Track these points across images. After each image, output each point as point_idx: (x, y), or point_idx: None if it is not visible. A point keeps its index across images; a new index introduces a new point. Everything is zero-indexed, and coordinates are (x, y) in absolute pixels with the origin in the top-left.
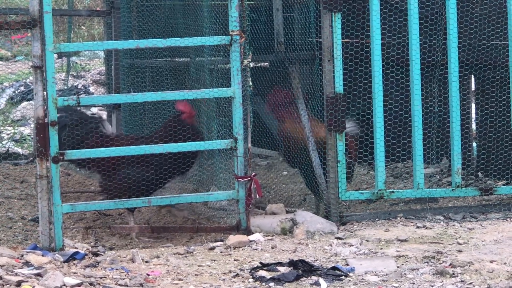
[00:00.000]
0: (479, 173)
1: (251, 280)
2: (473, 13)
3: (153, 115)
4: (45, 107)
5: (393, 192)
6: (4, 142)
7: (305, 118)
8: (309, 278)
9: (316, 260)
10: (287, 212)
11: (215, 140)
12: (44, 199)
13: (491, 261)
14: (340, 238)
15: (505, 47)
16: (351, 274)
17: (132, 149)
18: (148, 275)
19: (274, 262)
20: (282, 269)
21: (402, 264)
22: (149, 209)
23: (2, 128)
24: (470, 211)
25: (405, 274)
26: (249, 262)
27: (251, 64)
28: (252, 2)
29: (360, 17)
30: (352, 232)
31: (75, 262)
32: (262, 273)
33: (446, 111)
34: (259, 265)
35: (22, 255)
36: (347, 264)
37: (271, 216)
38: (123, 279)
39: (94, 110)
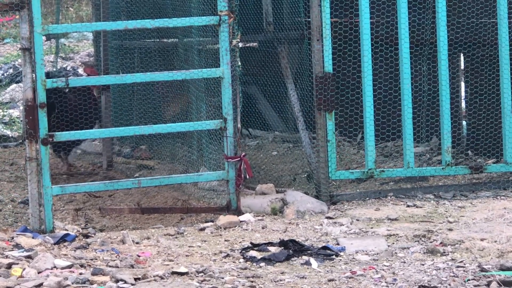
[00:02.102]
0: (469, 152)
1: (242, 260)
2: None
3: (142, 96)
4: (34, 89)
5: (383, 171)
6: None
7: (294, 98)
8: (300, 257)
9: (306, 240)
10: (277, 192)
11: (204, 120)
12: (33, 181)
13: (482, 239)
14: (330, 218)
15: (494, 25)
16: (342, 253)
17: (122, 131)
18: (139, 256)
19: (264, 242)
20: (273, 249)
21: (393, 243)
22: (138, 190)
23: None
24: (460, 189)
25: (396, 253)
26: (240, 242)
27: (240, 44)
28: None
29: None
30: (342, 212)
31: (66, 244)
32: (252, 253)
33: (436, 90)
34: (250, 245)
35: (13, 238)
36: (338, 244)
37: (261, 196)
38: (114, 260)
39: None
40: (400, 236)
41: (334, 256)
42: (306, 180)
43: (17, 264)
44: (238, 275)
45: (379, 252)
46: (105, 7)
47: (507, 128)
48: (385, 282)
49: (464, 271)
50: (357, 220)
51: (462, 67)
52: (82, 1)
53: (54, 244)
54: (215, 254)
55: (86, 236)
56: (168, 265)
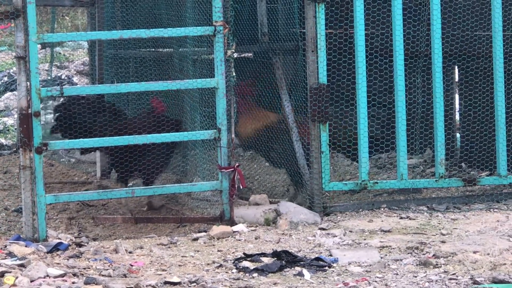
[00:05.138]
0: (463, 164)
1: (234, 270)
2: (456, 3)
3: (136, 105)
4: (29, 97)
5: (376, 182)
6: None
7: (289, 109)
8: (292, 268)
9: (299, 251)
10: (271, 203)
11: (198, 130)
12: (27, 190)
13: (475, 252)
14: (323, 229)
15: (488, 38)
16: (334, 264)
17: (117, 140)
18: (132, 265)
19: (257, 252)
20: (266, 260)
21: (386, 255)
22: (132, 199)
23: None
24: (453, 201)
25: (388, 264)
26: (233, 252)
27: (235, 55)
28: None
29: (343, 7)
30: (335, 223)
31: (59, 253)
32: (245, 263)
33: (430, 102)
34: (243, 255)
35: (6, 246)
36: (331, 255)
37: (255, 207)
38: (107, 269)
39: None
40: (393, 248)
41: (326, 267)
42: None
43: (10, 272)
44: (231, 285)
45: (372, 264)
46: (101, 16)
47: (500, 141)
48: None
49: (456, 283)
50: (350, 231)
51: (457, 79)
52: (77, 10)
53: (47, 252)
54: (208, 264)
55: (79, 245)
56: (160, 274)
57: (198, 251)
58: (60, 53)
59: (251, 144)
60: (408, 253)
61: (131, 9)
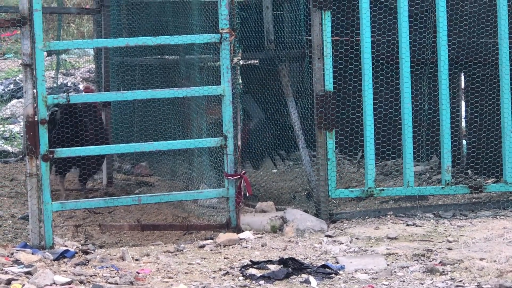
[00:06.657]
0: (469, 171)
1: (241, 278)
2: (462, 10)
3: (142, 113)
4: (35, 105)
5: (383, 190)
6: None
7: (295, 116)
8: (299, 276)
9: (306, 258)
10: (277, 210)
11: (205, 138)
12: (34, 197)
13: (481, 259)
14: (330, 236)
15: (494, 45)
16: (341, 272)
17: (122, 147)
18: (138, 273)
19: (264, 260)
20: (272, 267)
21: (392, 262)
22: (138, 207)
23: None
24: (460, 208)
25: (395, 272)
26: (239, 260)
27: (241, 62)
28: (242, 0)
29: (349, 14)
30: (342, 230)
31: (65, 260)
32: (252, 271)
33: (436, 109)
34: (249, 263)
35: (12, 253)
36: (337, 262)
37: (261, 214)
38: (113, 277)
39: None
40: (400, 255)
41: (333, 275)
42: (305, 198)
43: (17, 280)
44: None
45: (379, 271)
46: (107, 23)
47: (507, 148)
48: None
49: None
50: (357, 238)
51: (463, 86)
52: (83, 17)
53: (54, 260)
54: (214, 271)
55: (86, 252)
56: (167, 282)
57: (204, 258)
58: (66, 60)
59: None
60: (415, 260)
61: (137, 16)
